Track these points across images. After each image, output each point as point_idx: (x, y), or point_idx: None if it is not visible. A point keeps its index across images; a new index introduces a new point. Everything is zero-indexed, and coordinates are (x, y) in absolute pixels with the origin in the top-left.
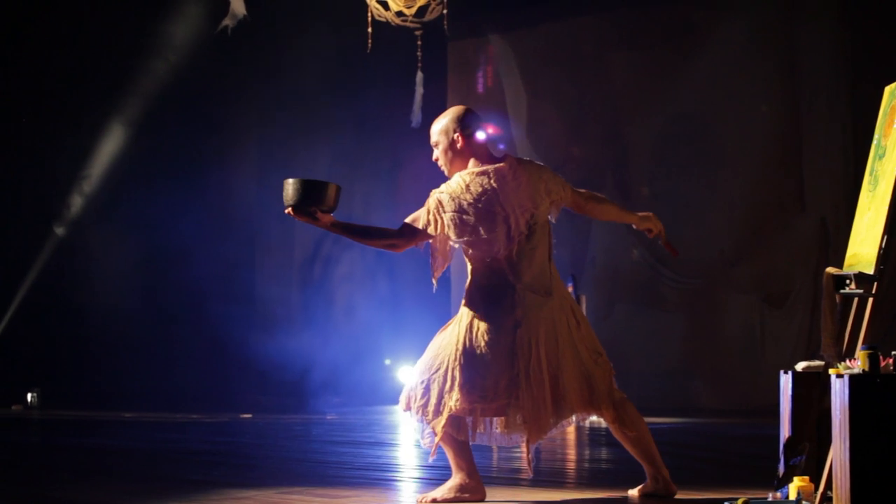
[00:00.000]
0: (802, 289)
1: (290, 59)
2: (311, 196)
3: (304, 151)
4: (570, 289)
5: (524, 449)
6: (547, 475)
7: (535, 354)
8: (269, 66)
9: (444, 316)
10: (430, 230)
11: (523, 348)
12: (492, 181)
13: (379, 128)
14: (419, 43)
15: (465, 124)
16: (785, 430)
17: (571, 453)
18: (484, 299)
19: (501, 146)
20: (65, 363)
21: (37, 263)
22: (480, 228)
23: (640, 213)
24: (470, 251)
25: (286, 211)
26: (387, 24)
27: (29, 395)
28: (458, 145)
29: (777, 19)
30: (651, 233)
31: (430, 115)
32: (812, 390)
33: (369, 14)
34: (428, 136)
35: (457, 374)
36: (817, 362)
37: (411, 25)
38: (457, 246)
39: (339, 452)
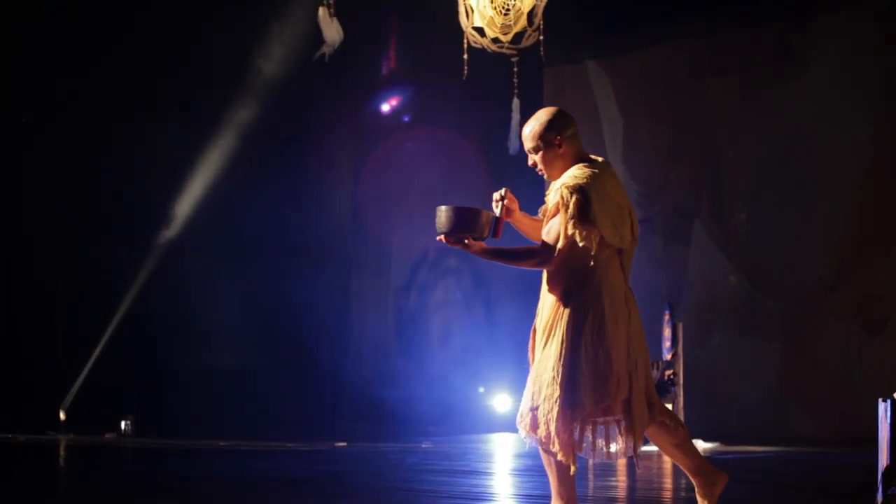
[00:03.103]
0: None
1: (385, 87)
2: (463, 223)
3: (398, 181)
4: (667, 317)
5: (633, 442)
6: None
7: (639, 348)
8: (361, 97)
9: None
10: (572, 230)
11: (632, 340)
12: (609, 175)
13: (475, 154)
14: (515, 69)
15: (562, 126)
16: (883, 459)
17: (668, 482)
18: (607, 296)
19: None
20: (158, 391)
21: (131, 291)
22: (618, 219)
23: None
24: (580, 248)
25: (438, 238)
26: (483, 50)
27: (123, 423)
28: (560, 149)
29: (875, 41)
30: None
31: None
32: None
33: (465, 40)
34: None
35: (581, 380)
36: None
37: (507, 52)
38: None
39: (434, 481)
